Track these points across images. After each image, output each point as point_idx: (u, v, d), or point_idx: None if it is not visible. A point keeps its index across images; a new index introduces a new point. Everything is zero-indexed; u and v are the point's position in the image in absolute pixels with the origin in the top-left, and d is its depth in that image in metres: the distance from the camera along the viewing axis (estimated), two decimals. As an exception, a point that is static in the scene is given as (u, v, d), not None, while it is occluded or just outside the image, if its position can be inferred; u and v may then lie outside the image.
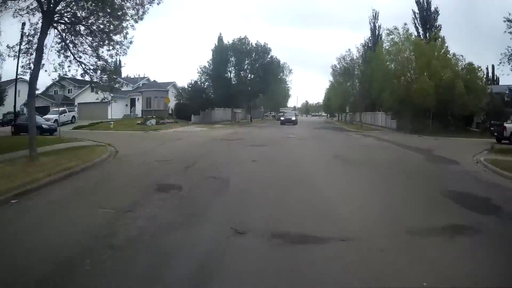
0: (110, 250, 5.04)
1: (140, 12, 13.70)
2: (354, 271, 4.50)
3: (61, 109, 42.71)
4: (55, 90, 54.62)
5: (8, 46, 14.47)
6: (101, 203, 7.49)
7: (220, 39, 51.73)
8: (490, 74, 56.09)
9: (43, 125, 29.10)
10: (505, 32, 19.61)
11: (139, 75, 62.52)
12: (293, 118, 49.73)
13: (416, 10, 45.03)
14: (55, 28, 13.72)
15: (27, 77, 16.15)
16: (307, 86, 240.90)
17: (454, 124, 34.09)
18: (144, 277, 4.30)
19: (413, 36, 38.78)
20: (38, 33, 13.17)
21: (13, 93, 32.76)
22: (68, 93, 55.27)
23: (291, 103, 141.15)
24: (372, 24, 52.57)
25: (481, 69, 35.93)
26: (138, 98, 51.94)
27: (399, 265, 4.68)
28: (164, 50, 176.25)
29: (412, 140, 24.43)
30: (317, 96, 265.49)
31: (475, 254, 5.15)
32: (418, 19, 44.86)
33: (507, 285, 4.34)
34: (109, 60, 14.81)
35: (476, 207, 7.59)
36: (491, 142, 20.45)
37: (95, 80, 15.15)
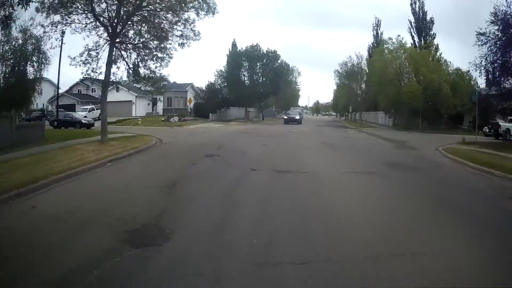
0: (192, 176, 10.27)
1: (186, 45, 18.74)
2: (306, 182, 9.66)
3: (89, 107, 47.76)
4: (78, 89, 59.39)
5: (69, 57, 19.19)
6: (173, 162, 12.75)
7: (233, 44, 57.40)
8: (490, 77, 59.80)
9: (82, 121, 33.59)
10: (474, 45, 23.62)
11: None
12: (297, 117, 49.74)
13: (412, 20, 48.78)
14: (116, 47, 18.74)
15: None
16: (318, 86, 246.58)
17: (445, 122, 38.68)
18: (210, 184, 9.40)
19: (409, 44, 43.67)
20: (99, 48, 18.16)
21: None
22: (92, 92, 60.26)
23: (303, 102, 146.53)
24: (375, 31, 57.01)
25: (470, 73, 40.03)
26: (159, 98, 56.95)
27: (332, 183, 9.79)
28: (181, 52, 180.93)
29: (399, 135, 29.26)
30: (327, 96, 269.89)
31: (376, 182, 10.25)
32: (414, 28, 48.45)
33: (393, 194, 9.30)
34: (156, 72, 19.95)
35: (397, 167, 12.61)
36: (467, 137, 23.58)
37: (144, 86, 20.45)
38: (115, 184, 9.66)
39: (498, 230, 6.31)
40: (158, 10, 17.51)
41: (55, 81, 33.84)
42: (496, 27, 22.07)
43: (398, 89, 37.32)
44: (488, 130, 27.73)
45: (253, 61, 50.40)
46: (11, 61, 22.19)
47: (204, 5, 17.74)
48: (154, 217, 6.51)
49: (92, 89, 60.11)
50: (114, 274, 4.39)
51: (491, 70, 23.65)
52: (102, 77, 19.30)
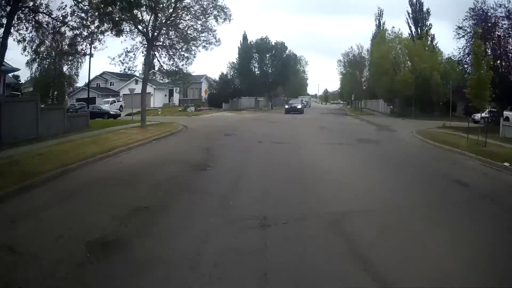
0: (218, 145, 14.96)
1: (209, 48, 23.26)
2: (294, 148, 14.17)
3: (110, 99, 52.10)
4: (97, 83, 62.84)
5: (109, 57, 23.13)
6: (201, 139, 17.40)
7: (244, 37, 61.57)
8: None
9: (110, 112, 37.79)
10: (453, 38, 27.44)
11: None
12: (299, 107, 48.89)
13: (410, 11, 51.57)
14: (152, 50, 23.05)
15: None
16: (327, 75, 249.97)
17: (439, 110, 42.30)
18: (231, 148, 14.04)
19: (406, 35, 47.55)
20: (136, 50, 22.52)
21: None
22: (110, 85, 64.64)
23: (313, 91, 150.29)
24: (377, 21, 59.61)
25: (461, 62, 43.09)
26: (176, 89, 61.32)
27: (311, 149, 14.23)
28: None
29: (389, 121, 33.46)
30: (336, 85, 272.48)
31: (341, 149, 14.65)
32: (411, 19, 51.19)
33: (350, 154, 13.68)
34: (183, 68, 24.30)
35: (364, 141, 17.12)
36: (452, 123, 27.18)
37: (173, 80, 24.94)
38: (166, 150, 14.58)
39: (427, 179, 10.30)
40: (187, 19, 21.93)
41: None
42: (473, 22, 25.93)
43: (393, 78, 41.14)
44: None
45: (263, 53, 54.65)
46: (48, 60, 25.62)
47: (222, 14, 22.12)
48: (201, 160, 11.67)
49: (111, 82, 64.67)
50: (185, 180, 9.21)
51: (467, 61, 27.59)
52: (136, 74, 23.96)
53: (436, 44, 48.62)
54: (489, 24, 25.69)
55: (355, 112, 55.16)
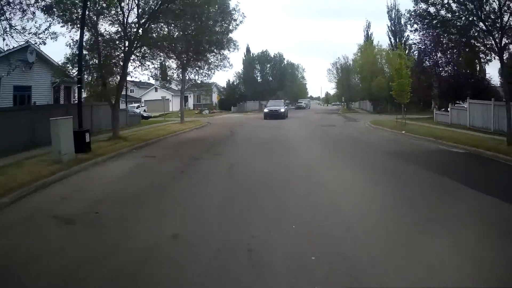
0: (237, 131, 24.32)
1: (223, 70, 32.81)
2: (279, 129, 23.48)
3: (136, 104, 61.54)
4: None
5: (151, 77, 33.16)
6: (224, 129, 26.80)
7: (247, 49, 71.27)
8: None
9: (143, 114, 47.13)
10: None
11: (188, 77, 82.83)
12: (282, 110, 39.67)
13: (389, 24, 59.03)
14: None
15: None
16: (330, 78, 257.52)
17: (414, 107, 51.48)
18: (243, 131, 23.44)
19: (386, 46, 56.74)
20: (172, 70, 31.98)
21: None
22: (131, 92, 73.73)
23: (315, 93, 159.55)
24: (365, 32, 68.15)
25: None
26: (190, 95, 70.95)
27: (287, 129, 23.64)
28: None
29: (364, 116, 42.72)
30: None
31: (308, 131, 24.09)
32: (391, 31, 58.64)
33: (312, 135, 23.05)
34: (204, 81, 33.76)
35: (326, 126, 26.56)
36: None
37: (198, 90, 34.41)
38: (205, 132, 24.10)
39: (350, 143, 19.91)
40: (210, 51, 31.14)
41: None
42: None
43: (370, 83, 50.51)
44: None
45: (263, 64, 64.82)
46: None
47: (233, 45, 31.29)
48: (229, 134, 21.44)
49: (131, 90, 73.83)
50: (223, 141, 18.61)
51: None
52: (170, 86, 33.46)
53: (413, 53, 57.72)
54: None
55: (345, 111, 64.12)
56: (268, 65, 64.95)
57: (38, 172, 10.11)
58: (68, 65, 20.06)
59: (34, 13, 14.14)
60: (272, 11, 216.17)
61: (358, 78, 57.79)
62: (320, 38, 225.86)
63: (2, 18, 11.69)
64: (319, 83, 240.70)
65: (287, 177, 9.86)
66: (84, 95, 28.71)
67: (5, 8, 11.70)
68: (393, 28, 60.20)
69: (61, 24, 17.57)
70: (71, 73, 21.54)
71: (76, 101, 28.68)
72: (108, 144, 16.37)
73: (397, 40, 61.15)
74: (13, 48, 21.44)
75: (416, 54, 38.38)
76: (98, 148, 14.65)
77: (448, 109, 27.85)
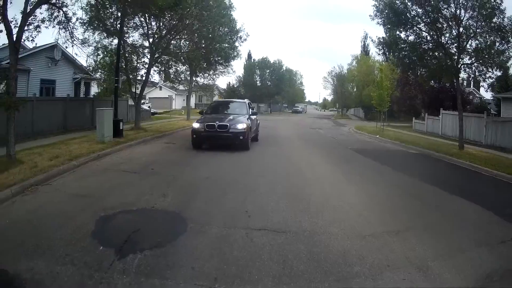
0: None
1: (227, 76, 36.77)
2: (274, 128, 27.51)
3: (143, 101, 65.76)
4: None
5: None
6: None
7: (249, 55, 75.78)
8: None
9: (151, 110, 51.51)
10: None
11: (195, 80, 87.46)
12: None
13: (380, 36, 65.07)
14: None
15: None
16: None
17: (404, 116, 55.66)
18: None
19: (379, 59, 60.98)
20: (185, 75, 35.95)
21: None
22: (135, 90, 78.10)
23: (314, 98, 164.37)
24: (362, 43, 72.82)
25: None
26: (192, 95, 74.81)
27: (284, 130, 27.69)
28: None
29: (353, 122, 46.90)
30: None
31: (297, 132, 28.15)
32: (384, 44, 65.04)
33: (302, 135, 27.06)
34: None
35: (313, 129, 30.59)
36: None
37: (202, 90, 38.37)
38: None
39: (332, 145, 23.90)
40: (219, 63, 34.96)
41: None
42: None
43: (361, 92, 54.72)
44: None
45: (263, 69, 69.24)
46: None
47: (236, 54, 35.13)
48: None
49: (136, 87, 78.29)
50: None
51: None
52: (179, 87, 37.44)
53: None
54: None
55: (337, 117, 68.35)
56: (268, 71, 69.43)
57: (89, 148, 13.91)
58: (94, 66, 24.01)
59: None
60: (276, 15, 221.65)
61: (351, 87, 62.11)
62: (324, 43, 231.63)
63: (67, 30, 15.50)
64: (319, 88, 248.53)
65: (274, 156, 14.80)
66: (97, 90, 33.19)
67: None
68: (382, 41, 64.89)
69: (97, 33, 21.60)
70: (93, 73, 25.92)
71: (93, 95, 32.98)
72: (133, 133, 20.19)
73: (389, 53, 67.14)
74: (42, 46, 26.03)
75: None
76: (127, 135, 18.49)
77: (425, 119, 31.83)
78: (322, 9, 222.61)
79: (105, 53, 22.75)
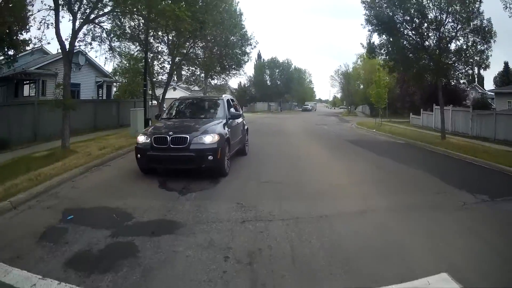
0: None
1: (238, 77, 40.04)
2: (280, 125, 30.63)
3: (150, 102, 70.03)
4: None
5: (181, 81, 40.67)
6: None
7: (259, 55, 79.21)
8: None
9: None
10: None
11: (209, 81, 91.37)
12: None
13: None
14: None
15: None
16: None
17: (407, 112, 58.38)
18: (256, 123, 30.46)
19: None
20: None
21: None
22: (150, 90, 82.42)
23: (324, 96, 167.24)
24: (368, 40, 76.37)
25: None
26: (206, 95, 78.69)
27: (291, 126, 30.86)
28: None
29: (358, 118, 49.76)
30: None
31: (303, 128, 31.29)
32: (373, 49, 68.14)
33: (307, 129, 30.21)
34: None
35: (318, 125, 33.80)
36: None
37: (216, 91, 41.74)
38: None
39: (332, 139, 27.08)
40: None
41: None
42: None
43: (366, 90, 57.50)
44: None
45: (273, 69, 72.65)
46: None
47: (247, 59, 38.25)
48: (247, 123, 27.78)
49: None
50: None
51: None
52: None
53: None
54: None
55: (345, 114, 71.26)
56: (277, 70, 72.85)
57: (127, 141, 17.01)
58: (119, 71, 27.55)
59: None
60: (284, 13, 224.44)
61: (357, 85, 65.02)
62: (332, 41, 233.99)
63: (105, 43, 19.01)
64: (329, 86, 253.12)
65: (280, 143, 18.16)
66: (117, 92, 36.88)
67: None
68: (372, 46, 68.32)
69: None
70: (116, 77, 29.59)
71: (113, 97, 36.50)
72: (159, 129, 23.40)
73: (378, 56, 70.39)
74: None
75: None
76: (156, 131, 21.75)
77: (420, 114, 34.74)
78: (330, 6, 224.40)
79: (130, 60, 26.07)
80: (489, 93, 51.78)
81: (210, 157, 9.36)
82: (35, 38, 15.99)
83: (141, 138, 10.04)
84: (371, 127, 30.29)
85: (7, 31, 20.17)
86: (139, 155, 9.95)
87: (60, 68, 28.21)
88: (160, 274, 4.57)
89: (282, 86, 73.28)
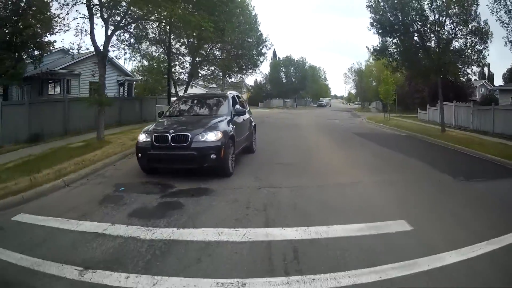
0: (265, 118, 33.49)
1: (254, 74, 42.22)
2: (294, 119, 32.68)
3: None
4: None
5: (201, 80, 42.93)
6: (259, 118, 36.06)
7: (274, 54, 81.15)
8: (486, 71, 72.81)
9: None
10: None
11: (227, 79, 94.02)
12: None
13: None
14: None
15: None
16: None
17: (418, 107, 59.94)
18: (273, 116, 32.54)
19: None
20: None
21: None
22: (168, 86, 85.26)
23: (340, 92, 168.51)
24: (380, 38, 78.01)
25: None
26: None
27: (304, 120, 32.91)
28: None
29: (369, 113, 51.44)
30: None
31: (315, 121, 33.28)
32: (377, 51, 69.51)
33: (319, 123, 32.20)
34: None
35: (330, 120, 35.64)
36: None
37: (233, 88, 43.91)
38: None
39: (340, 131, 29.00)
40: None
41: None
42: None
43: (378, 87, 59.03)
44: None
45: (288, 67, 74.62)
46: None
47: (263, 59, 40.18)
48: (261, 120, 29.80)
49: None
50: (261, 121, 27.71)
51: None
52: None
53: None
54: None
55: (358, 110, 72.84)
56: (292, 68, 74.98)
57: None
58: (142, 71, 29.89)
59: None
60: (297, 11, 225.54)
61: (370, 81, 66.64)
62: (350, 38, 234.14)
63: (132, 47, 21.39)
64: (343, 83, 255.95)
65: (292, 135, 19.94)
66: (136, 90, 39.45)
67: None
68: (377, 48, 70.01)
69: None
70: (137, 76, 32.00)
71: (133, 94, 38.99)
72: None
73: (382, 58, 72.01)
74: (90, 52, 31.84)
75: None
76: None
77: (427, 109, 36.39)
78: (343, 4, 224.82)
79: (152, 61, 28.37)
80: (498, 89, 52.80)
81: (213, 156, 9.05)
82: (72, 43, 18.40)
83: (142, 137, 9.74)
84: (379, 122, 32.08)
85: (31, 33, 22.56)
86: (139, 154, 9.65)
87: (82, 68, 30.56)
88: (202, 217, 6.71)
89: (297, 83, 75.51)
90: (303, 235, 5.79)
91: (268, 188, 8.58)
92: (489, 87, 57.64)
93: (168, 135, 9.21)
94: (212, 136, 9.21)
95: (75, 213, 7.00)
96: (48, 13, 22.25)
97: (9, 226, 6.53)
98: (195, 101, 12.56)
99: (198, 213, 6.87)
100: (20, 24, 22.73)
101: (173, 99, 32.63)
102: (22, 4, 22.88)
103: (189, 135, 9.13)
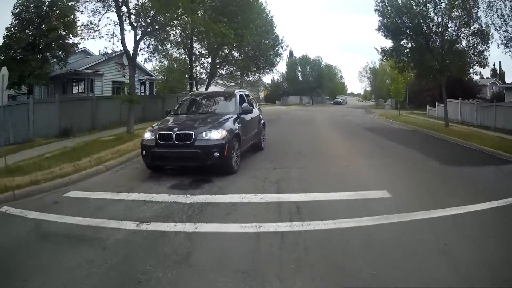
0: (282, 115, 35.41)
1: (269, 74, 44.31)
2: (310, 116, 34.61)
3: (194, 96, 75.28)
4: None
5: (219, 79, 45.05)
6: (273, 114, 38.00)
7: (291, 53, 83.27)
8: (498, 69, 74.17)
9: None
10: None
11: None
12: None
13: None
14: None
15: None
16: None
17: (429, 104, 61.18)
18: (285, 115, 34.49)
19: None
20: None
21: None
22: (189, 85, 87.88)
23: (357, 90, 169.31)
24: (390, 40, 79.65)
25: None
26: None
27: (319, 116, 34.74)
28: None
29: (382, 110, 52.96)
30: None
31: (330, 118, 35.15)
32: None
33: (332, 119, 34.02)
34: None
35: (343, 116, 37.39)
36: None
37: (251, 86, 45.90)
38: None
39: (351, 126, 30.82)
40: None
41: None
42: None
43: (390, 86, 60.53)
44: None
45: (304, 66, 76.67)
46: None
47: (279, 60, 42.03)
48: (277, 116, 31.80)
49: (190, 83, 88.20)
50: (278, 117, 29.68)
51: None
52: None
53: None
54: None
55: (374, 107, 74.14)
56: (308, 67, 77.07)
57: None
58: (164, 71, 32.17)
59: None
60: (318, 9, 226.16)
61: (383, 80, 68.09)
62: (365, 37, 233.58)
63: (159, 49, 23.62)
64: (358, 81, 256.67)
65: (307, 129, 21.98)
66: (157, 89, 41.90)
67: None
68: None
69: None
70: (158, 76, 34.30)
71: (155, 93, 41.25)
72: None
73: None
74: (113, 53, 33.99)
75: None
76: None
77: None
78: (361, 4, 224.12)
79: (175, 62, 30.54)
80: (504, 87, 53.77)
81: (216, 154, 9.22)
82: (106, 48, 20.50)
83: (147, 135, 9.91)
84: (389, 118, 33.71)
85: (56, 35, 24.55)
86: (144, 152, 9.82)
87: (105, 68, 32.26)
88: (229, 188, 8.76)
89: (313, 81, 77.54)
90: (304, 198, 7.81)
91: (281, 169, 10.64)
92: (498, 85, 58.44)
93: (172, 133, 9.42)
94: (215, 134, 9.39)
95: (123, 188, 8.65)
96: (72, 16, 24.44)
97: (63, 200, 7.89)
98: (203, 99, 12.78)
99: (225, 186, 8.91)
100: (43, 26, 24.72)
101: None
102: (45, 7, 24.75)
103: (193, 133, 9.34)
